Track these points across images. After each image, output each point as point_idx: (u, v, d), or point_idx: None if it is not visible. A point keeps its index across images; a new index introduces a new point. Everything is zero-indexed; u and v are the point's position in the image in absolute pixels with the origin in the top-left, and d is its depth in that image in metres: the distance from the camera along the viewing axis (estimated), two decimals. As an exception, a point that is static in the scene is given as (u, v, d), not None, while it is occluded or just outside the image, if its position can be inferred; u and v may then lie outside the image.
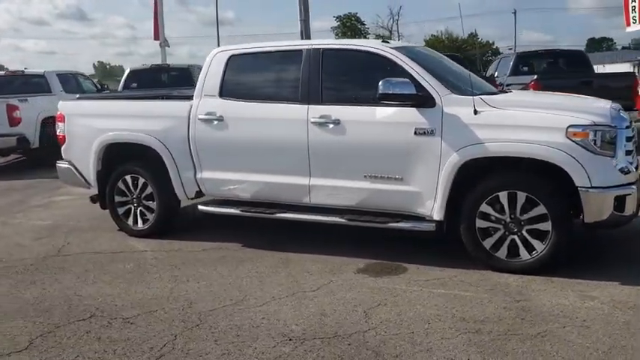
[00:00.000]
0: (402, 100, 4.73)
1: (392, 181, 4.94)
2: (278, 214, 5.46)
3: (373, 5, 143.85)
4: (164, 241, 5.92)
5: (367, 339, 3.59)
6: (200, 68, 12.88)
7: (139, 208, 6.13)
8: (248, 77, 5.74)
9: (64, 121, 6.45)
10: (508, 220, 4.61)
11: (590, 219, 4.41)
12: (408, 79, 4.75)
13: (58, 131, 6.58)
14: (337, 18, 73.44)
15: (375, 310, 4.01)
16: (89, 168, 6.25)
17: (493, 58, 76.66)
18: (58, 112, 6.55)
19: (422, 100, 4.75)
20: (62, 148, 6.55)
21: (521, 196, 4.54)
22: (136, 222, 6.17)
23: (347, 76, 5.43)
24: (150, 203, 6.06)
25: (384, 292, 4.33)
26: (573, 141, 4.35)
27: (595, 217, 4.40)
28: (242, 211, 5.63)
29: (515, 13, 69.80)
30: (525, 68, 13.69)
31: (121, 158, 6.22)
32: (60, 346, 3.65)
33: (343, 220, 5.19)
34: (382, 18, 77.98)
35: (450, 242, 4.96)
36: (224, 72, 5.64)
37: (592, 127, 4.39)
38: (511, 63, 13.61)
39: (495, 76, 14.26)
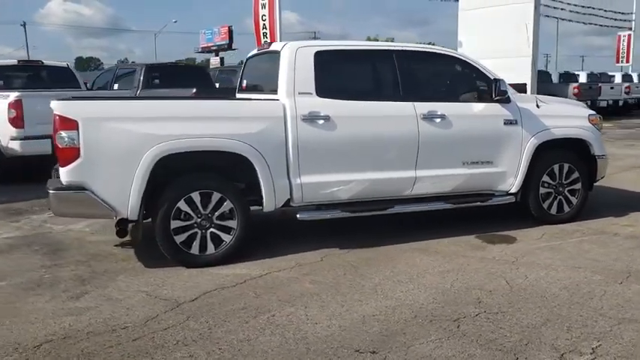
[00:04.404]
0: (505, 96, 5.79)
1: (484, 165, 5.91)
2: (389, 210, 5.59)
3: None
4: (253, 262, 5.05)
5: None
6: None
7: (209, 231, 5.01)
8: (341, 75, 5.59)
9: (76, 129, 4.60)
10: (557, 185, 6.27)
11: (599, 177, 6.53)
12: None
13: (61, 143, 4.60)
14: None
15: (589, 259, 5.11)
16: (128, 190, 4.71)
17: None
18: (59, 116, 4.60)
19: (507, 97, 5.92)
20: (69, 167, 4.63)
21: (566, 167, 6.28)
22: (204, 248, 5.01)
23: (435, 76, 6.04)
24: (228, 222, 5.05)
25: (555, 250, 5.36)
26: (593, 125, 6.38)
27: (601, 176, 6.55)
28: (352, 211, 5.47)
29: (24, 25, 66.27)
30: (156, 81, 13.44)
31: (173, 173, 4.95)
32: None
33: (449, 205, 5.83)
34: None
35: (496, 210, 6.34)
36: (315, 69, 5.32)
37: (597, 115, 6.51)
38: (141, 77, 13.24)
39: (115, 89, 13.82)
